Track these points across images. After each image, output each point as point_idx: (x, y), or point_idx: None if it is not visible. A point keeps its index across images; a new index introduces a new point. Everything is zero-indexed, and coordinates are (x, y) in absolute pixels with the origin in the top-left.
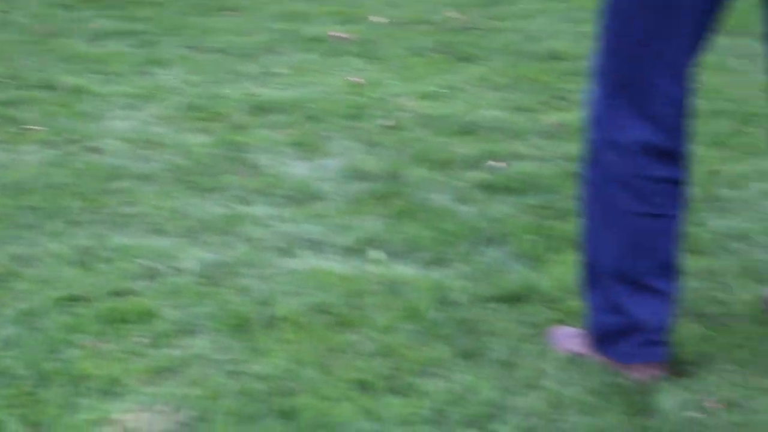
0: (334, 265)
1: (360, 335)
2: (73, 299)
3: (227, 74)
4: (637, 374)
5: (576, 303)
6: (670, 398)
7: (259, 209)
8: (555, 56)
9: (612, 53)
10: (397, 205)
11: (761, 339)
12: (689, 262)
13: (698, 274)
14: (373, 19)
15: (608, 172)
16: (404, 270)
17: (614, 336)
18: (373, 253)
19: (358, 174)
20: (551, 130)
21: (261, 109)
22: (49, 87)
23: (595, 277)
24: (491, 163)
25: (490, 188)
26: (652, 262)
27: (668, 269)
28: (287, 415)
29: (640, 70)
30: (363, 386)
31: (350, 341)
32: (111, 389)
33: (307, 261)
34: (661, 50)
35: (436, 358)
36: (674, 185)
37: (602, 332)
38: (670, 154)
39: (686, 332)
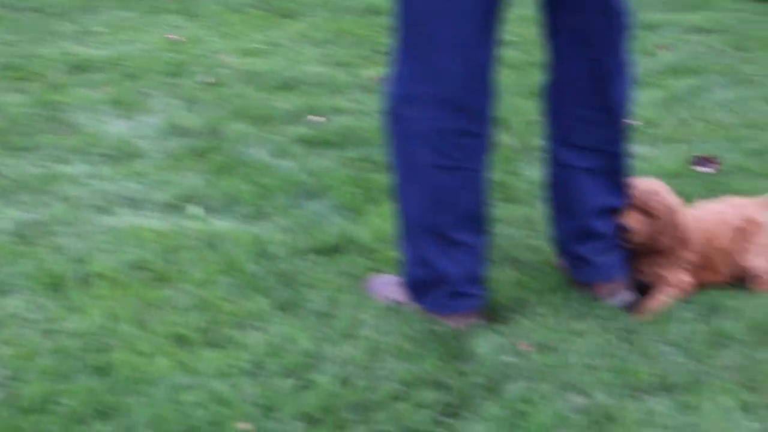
0: (152, 221)
1: (177, 290)
2: None
3: (43, 33)
4: (452, 323)
5: (393, 253)
6: (486, 343)
7: (77, 168)
8: (373, 10)
9: (402, 9)
10: (216, 161)
11: (573, 284)
12: (505, 210)
13: (514, 222)
14: None
15: (407, 128)
16: (222, 225)
17: (423, 288)
18: (192, 209)
19: (177, 130)
20: (370, 84)
21: (78, 67)
22: None
23: (404, 230)
24: (311, 117)
25: (309, 142)
26: (455, 215)
27: (473, 222)
28: (102, 371)
29: (427, 25)
30: (179, 340)
31: (167, 296)
32: None
33: (124, 218)
34: (447, 5)
35: (254, 310)
36: (473, 138)
37: (413, 284)
38: (466, 108)
39: (502, 278)
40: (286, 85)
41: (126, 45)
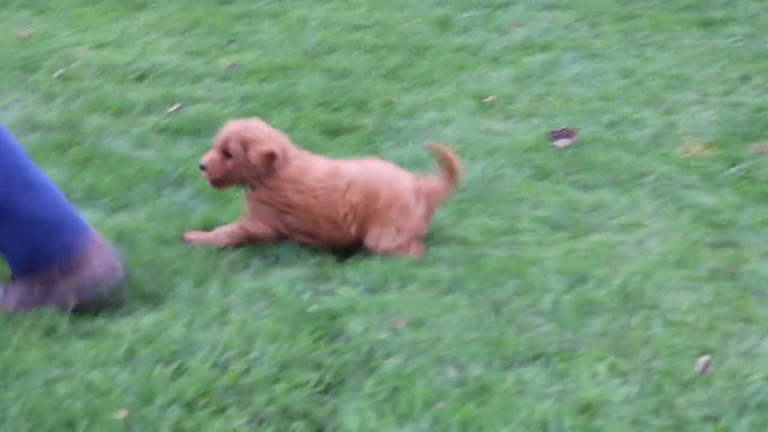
0: None
1: None
2: None
3: None
4: None
5: None
6: (358, 321)
7: None
8: (225, 0)
9: None
10: (76, 154)
11: (443, 259)
12: None
13: None
14: None
15: None
16: (87, 216)
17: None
18: None
19: (34, 125)
20: (225, 72)
21: None
22: None
23: None
24: (171, 109)
25: (168, 132)
26: None
27: None
28: None
29: None
30: (49, 333)
31: None
32: None
33: None
34: None
35: (122, 300)
36: None
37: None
38: None
39: (369, 258)
40: (141, 76)
41: None
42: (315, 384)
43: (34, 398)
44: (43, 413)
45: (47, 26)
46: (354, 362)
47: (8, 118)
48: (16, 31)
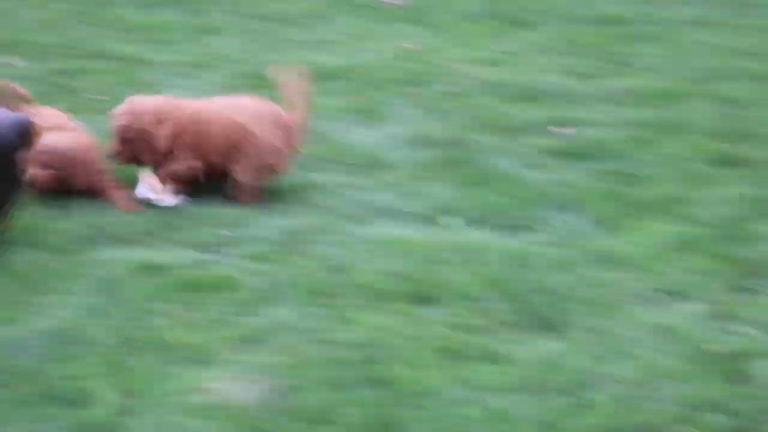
0: (410, 232)
1: (442, 303)
2: (152, 267)
3: (280, 42)
4: None
5: (660, 267)
6: (763, 364)
7: (329, 177)
8: (608, 20)
9: None
10: (465, 172)
11: None
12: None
13: None
14: None
15: None
16: (480, 236)
17: None
18: (448, 220)
19: (423, 140)
20: (612, 95)
21: (317, 76)
22: (104, 56)
23: None
24: (551, 128)
25: (557, 154)
26: None
27: None
28: (380, 383)
29: None
30: (452, 354)
31: (433, 308)
32: (200, 358)
33: (382, 228)
34: None
35: (522, 325)
36: None
37: None
38: None
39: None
40: (527, 96)
41: (362, 53)
42: (725, 429)
43: (443, 420)
44: None
45: (431, 41)
46: (765, 409)
47: (398, 131)
48: (400, 43)
